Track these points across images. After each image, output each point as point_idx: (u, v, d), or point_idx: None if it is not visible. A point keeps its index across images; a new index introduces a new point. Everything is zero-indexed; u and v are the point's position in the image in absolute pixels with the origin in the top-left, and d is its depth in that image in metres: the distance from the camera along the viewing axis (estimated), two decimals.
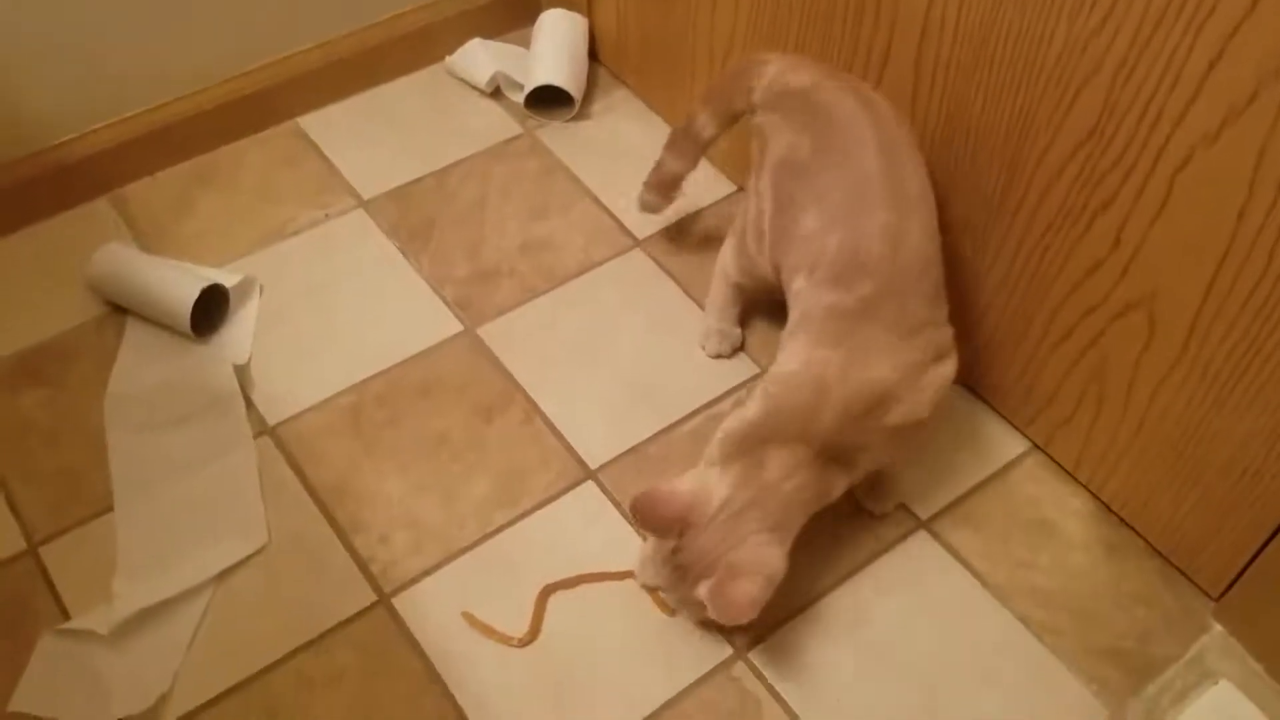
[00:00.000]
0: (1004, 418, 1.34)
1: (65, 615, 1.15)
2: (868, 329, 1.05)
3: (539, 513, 1.25)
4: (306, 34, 1.59)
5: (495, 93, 1.67)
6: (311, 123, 1.62)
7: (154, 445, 1.27)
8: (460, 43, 1.68)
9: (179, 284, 1.34)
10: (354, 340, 1.38)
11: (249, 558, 1.19)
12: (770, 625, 1.17)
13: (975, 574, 1.22)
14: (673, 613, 1.17)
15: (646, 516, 1.06)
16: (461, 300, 1.43)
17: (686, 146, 1.33)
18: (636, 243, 1.50)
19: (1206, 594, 1.21)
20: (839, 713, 1.12)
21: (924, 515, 1.26)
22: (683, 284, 1.46)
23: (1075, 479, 1.29)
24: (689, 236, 1.51)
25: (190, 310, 1.32)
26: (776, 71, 1.19)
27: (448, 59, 1.68)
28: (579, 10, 1.68)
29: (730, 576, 1.02)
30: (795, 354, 1.08)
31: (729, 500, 1.04)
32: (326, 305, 1.42)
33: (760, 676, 1.14)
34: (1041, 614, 1.19)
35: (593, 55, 1.70)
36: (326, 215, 1.51)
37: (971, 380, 1.35)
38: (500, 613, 1.16)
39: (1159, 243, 1.05)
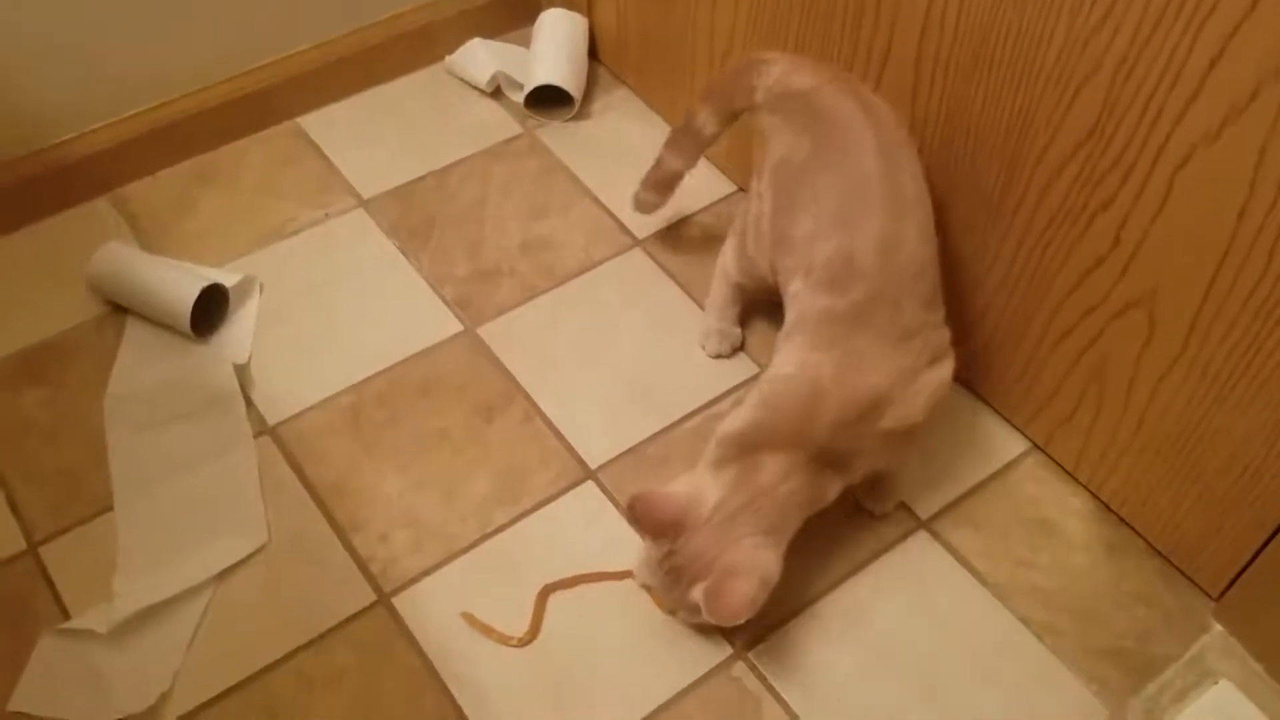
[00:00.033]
0: (1004, 417, 1.34)
1: (65, 614, 1.15)
2: (861, 334, 1.05)
3: (539, 512, 1.25)
4: (306, 34, 1.59)
5: (495, 92, 1.67)
6: (312, 122, 1.62)
7: (154, 444, 1.27)
8: (460, 42, 1.68)
9: (179, 283, 1.34)
10: (354, 340, 1.38)
11: (249, 557, 1.19)
12: (770, 625, 1.16)
13: (975, 574, 1.22)
14: (672, 611, 1.17)
15: (642, 519, 1.06)
16: (461, 300, 1.43)
17: (687, 144, 1.33)
18: (636, 242, 1.50)
19: (1206, 593, 1.21)
20: (839, 712, 1.12)
21: (924, 515, 1.26)
22: (683, 284, 1.46)
23: (1075, 478, 1.29)
24: (689, 236, 1.51)
25: (190, 310, 1.32)
26: (781, 72, 1.19)
27: (448, 59, 1.68)
28: (579, 10, 1.68)
29: (725, 577, 1.02)
30: (790, 357, 1.08)
31: (723, 503, 1.04)
32: (326, 305, 1.42)
33: (760, 676, 1.14)
34: (1042, 614, 1.19)
35: (593, 55, 1.69)
36: (326, 215, 1.51)
37: (971, 380, 1.35)
38: (500, 612, 1.16)
39: (1159, 242, 1.05)
